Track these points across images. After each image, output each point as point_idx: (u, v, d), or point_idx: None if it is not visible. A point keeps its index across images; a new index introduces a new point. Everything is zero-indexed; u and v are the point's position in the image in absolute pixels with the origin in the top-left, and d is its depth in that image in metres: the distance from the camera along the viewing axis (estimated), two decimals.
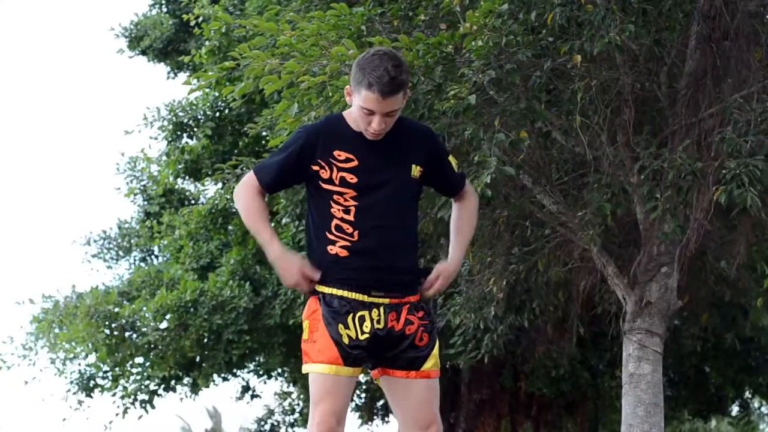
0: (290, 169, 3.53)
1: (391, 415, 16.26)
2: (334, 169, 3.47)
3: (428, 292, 3.58)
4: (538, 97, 5.69)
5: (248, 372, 14.79)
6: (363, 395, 15.77)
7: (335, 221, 3.46)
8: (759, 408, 18.02)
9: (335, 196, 3.47)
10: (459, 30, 5.55)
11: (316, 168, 3.48)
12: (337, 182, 3.46)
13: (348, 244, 3.45)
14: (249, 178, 3.58)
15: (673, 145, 6.15)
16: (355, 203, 3.45)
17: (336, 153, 3.48)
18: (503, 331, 9.01)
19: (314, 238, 3.53)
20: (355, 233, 3.44)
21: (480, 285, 7.87)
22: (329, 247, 3.46)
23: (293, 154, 3.51)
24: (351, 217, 3.45)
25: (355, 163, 3.47)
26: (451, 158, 3.69)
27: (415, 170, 3.55)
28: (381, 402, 15.93)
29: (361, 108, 3.43)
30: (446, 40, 5.58)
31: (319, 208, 3.51)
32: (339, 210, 3.46)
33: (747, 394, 14.72)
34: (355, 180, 3.46)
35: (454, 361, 10.30)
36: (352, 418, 16.64)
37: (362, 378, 15.16)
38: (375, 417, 16.39)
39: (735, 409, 15.59)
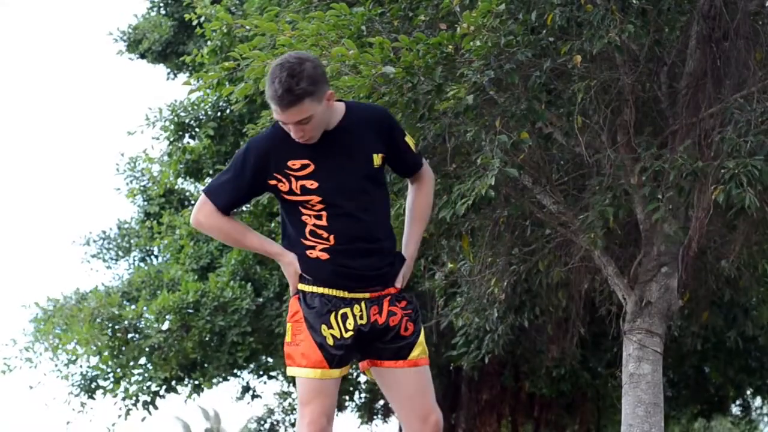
0: (245, 188, 3.40)
1: (391, 416, 16.26)
2: (292, 179, 3.35)
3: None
4: (539, 97, 5.69)
5: (249, 372, 14.79)
6: (363, 395, 15.77)
7: (309, 227, 3.38)
8: (761, 407, 18.00)
9: (302, 206, 3.37)
10: (458, 30, 5.55)
11: (273, 182, 3.37)
12: (298, 192, 3.35)
13: (326, 247, 3.38)
14: (203, 203, 3.43)
15: (673, 146, 6.15)
16: (324, 206, 3.36)
17: (290, 163, 3.34)
18: (504, 331, 9.01)
19: (291, 244, 3.45)
20: (331, 237, 3.37)
21: (481, 285, 7.87)
22: (309, 252, 3.40)
23: (244, 174, 3.37)
24: (324, 222, 3.36)
25: (312, 168, 3.35)
26: (408, 138, 3.55)
27: (377, 159, 3.43)
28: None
29: None
30: (446, 40, 5.58)
31: (290, 215, 3.42)
32: (310, 216, 3.37)
33: (748, 394, 14.72)
34: (315, 185, 3.34)
35: (458, 363, 10.29)
36: (353, 418, 16.65)
37: (362, 378, 15.15)
38: (375, 417, 16.40)
39: (735, 409, 15.59)
